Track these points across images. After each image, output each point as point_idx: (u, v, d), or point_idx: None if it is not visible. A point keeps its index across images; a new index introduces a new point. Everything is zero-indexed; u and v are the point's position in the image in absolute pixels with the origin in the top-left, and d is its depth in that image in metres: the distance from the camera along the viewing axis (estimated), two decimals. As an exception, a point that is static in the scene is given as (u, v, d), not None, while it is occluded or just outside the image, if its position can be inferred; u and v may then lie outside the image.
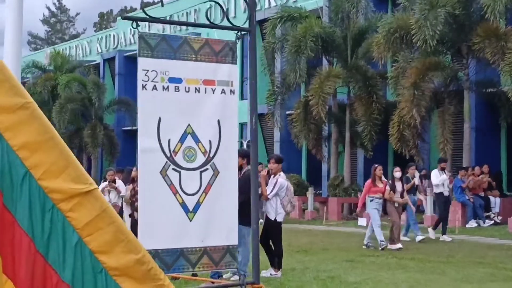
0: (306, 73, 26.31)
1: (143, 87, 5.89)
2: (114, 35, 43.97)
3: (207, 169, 6.14)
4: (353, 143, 27.80)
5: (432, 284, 12.28)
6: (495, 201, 23.26)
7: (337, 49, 27.51)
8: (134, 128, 40.06)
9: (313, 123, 27.19)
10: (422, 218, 23.59)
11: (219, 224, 6.15)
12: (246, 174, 10.89)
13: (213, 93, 6.18)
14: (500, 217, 22.78)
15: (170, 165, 5.97)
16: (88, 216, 3.70)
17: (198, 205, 6.06)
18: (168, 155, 5.97)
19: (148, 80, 5.90)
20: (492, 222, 22.60)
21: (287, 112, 29.54)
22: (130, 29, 41.90)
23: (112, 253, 3.76)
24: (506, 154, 26.58)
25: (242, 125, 33.76)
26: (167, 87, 5.99)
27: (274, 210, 12.87)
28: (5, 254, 3.80)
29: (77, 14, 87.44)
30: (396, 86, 24.84)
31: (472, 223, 22.26)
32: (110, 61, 44.29)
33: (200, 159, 6.11)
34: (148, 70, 5.91)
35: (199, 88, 6.12)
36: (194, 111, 6.09)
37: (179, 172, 6.00)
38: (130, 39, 42.15)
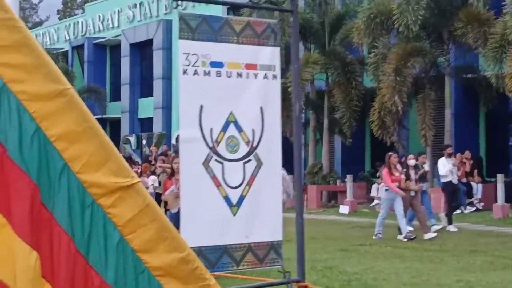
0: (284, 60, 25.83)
1: (184, 72, 5.46)
2: (82, 22, 43.04)
3: (250, 160, 5.74)
4: (332, 130, 27.56)
5: (434, 273, 12.05)
6: (477, 187, 23.17)
7: (315, 35, 27.21)
8: (104, 116, 39.36)
9: (291, 110, 26.76)
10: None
11: (263, 219, 5.76)
12: None
13: (255, 78, 5.78)
14: (481, 204, 22.71)
15: (212, 156, 5.55)
16: (130, 212, 3.43)
17: (241, 198, 5.66)
18: (211, 145, 5.55)
19: (189, 64, 5.47)
20: (474, 208, 22.52)
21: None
22: (99, 16, 41.09)
23: (155, 251, 3.49)
24: (485, 140, 26.58)
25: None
26: (209, 72, 5.56)
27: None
28: (42, 256, 3.46)
29: (40, 1, 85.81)
30: (375, 72, 24.61)
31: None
32: (78, 48, 43.43)
33: (243, 149, 5.71)
34: (189, 54, 5.48)
35: (241, 73, 5.71)
36: (236, 97, 5.68)
37: (222, 164, 5.59)
38: (99, 26, 41.31)
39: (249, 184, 5.71)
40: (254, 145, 5.76)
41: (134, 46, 38.46)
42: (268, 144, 5.81)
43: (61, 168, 3.35)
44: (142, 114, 36.68)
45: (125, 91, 38.69)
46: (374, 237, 16.25)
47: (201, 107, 5.52)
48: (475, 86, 24.94)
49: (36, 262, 3.36)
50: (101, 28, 40.96)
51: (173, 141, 32.69)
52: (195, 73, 5.50)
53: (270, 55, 5.83)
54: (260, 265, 5.76)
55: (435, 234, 16.24)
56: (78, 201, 3.41)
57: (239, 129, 5.69)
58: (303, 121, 28.41)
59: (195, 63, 5.49)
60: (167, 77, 36.17)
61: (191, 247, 3.77)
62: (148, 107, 37.19)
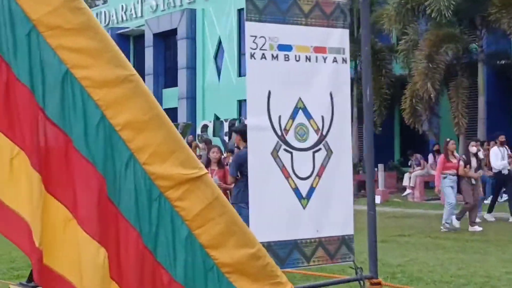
0: (312, 47, 25.46)
1: (252, 55, 5.13)
2: (105, 12, 42.71)
3: (320, 149, 5.40)
4: (361, 119, 27.13)
5: (481, 265, 11.63)
6: (510, 176, 22.60)
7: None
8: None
9: (320, 98, 26.40)
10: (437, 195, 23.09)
11: (334, 212, 5.42)
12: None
13: (325, 62, 5.43)
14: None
15: (281, 145, 5.21)
16: (199, 205, 3.26)
17: (311, 190, 5.32)
18: (279, 133, 5.22)
19: (257, 48, 5.14)
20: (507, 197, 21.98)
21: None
22: (122, 6, 40.77)
23: (224, 247, 3.33)
24: (519, 127, 26.05)
25: (240, 102, 33.07)
26: (277, 55, 5.22)
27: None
28: (109, 253, 3.28)
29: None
30: (406, 60, 24.14)
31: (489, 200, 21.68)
32: (101, 39, 42.95)
33: (313, 137, 5.37)
34: (256, 37, 5.14)
35: (309, 56, 5.36)
36: (304, 83, 5.34)
37: (291, 153, 5.26)
38: (122, 16, 40.98)
39: (319, 174, 5.37)
40: (324, 133, 5.42)
41: (157, 36, 38.11)
42: (338, 132, 5.47)
43: (127, 159, 3.17)
44: (167, 104, 36.33)
45: (149, 81, 38.37)
46: (442, 229, 15.61)
47: (269, 93, 5.18)
48: (508, 73, 24.41)
49: (105, 259, 3.20)
50: (124, 18, 40.61)
51: (198, 131, 32.42)
52: (263, 57, 5.17)
53: (340, 37, 5.48)
54: (331, 261, 5.42)
55: (480, 229, 15.77)
56: (145, 194, 3.22)
57: (308, 116, 5.36)
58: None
59: (262, 46, 5.16)
60: (192, 67, 35.80)
61: (260, 243, 3.55)
62: (172, 97, 36.87)
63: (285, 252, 5.20)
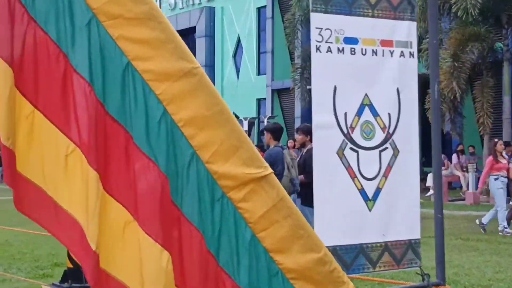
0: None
1: (317, 49, 4.85)
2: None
3: (386, 148, 5.11)
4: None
5: (519, 269, 11.34)
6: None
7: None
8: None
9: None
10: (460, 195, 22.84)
11: (400, 214, 5.14)
12: (310, 152, 9.84)
13: (391, 56, 5.15)
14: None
15: (347, 144, 4.94)
16: (263, 207, 3.12)
17: (378, 191, 5.04)
18: (345, 131, 4.94)
19: (322, 40, 4.86)
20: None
21: (308, 87, 28.59)
22: None
23: (289, 251, 3.18)
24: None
25: (259, 101, 32.88)
26: (342, 49, 4.94)
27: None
28: (172, 258, 3.11)
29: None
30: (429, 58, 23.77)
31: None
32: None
33: (379, 136, 5.08)
34: (321, 29, 4.87)
35: (376, 50, 5.08)
36: (371, 78, 5.06)
37: (357, 152, 4.98)
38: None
39: (385, 175, 5.09)
40: (391, 131, 5.14)
41: (176, 34, 37.95)
42: (405, 130, 5.19)
43: (190, 157, 3.03)
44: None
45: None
46: (500, 234, 15.20)
47: (335, 88, 4.91)
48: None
49: (168, 263, 3.04)
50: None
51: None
52: (328, 50, 4.89)
53: (407, 30, 5.20)
54: (397, 266, 5.14)
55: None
56: (207, 194, 3.08)
57: (375, 114, 5.08)
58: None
59: (328, 39, 4.88)
60: (211, 65, 35.62)
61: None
62: (190, 95, 36.65)
63: (351, 257, 4.93)
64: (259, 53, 32.66)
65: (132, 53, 3.10)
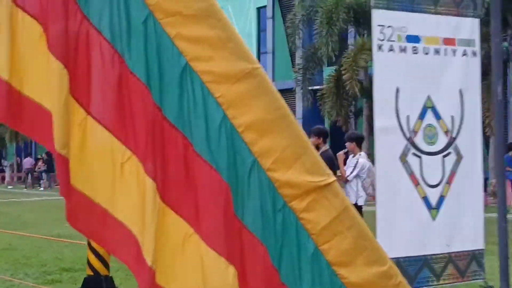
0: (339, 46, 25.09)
1: (379, 47, 4.57)
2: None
3: (449, 153, 4.83)
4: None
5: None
6: None
7: (368, 21, 26.18)
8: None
9: (345, 98, 25.96)
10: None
11: (464, 223, 4.87)
12: (324, 154, 9.54)
13: (454, 55, 4.87)
14: None
15: (410, 149, 4.65)
16: (326, 217, 2.90)
17: (441, 199, 4.76)
18: (408, 135, 4.65)
19: (384, 39, 4.58)
20: None
21: (309, 88, 28.39)
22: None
23: (353, 265, 2.96)
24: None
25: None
26: (405, 47, 4.67)
27: (355, 193, 11.63)
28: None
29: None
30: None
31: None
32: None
33: (442, 140, 4.81)
34: (383, 26, 4.60)
35: (439, 49, 4.81)
36: (433, 78, 4.79)
37: (420, 158, 4.70)
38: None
39: (449, 182, 4.81)
40: (454, 135, 4.85)
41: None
42: (468, 134, 4.90)
43: (251, 164, 2.82)
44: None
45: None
46: None
47: (397, 90, 4.62)
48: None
49: (234, 280, 2.83)
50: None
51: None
52: (391, 49, 4.61)
53: (470, 27, 4.93)
54: (461, 278, 4.85)
55: None
56: (269, 204, 2.86)
57: (437, 117, 4.79)
58: (354, 110, 27.54)
59: (390, 37, 4.59)
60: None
61: (389, 259, 3.10)
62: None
63: (415, 269, 4.65)
64: (259, 53, 32.37)
65: (191, 53, 2.87)
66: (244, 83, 2.88)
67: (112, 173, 2.87)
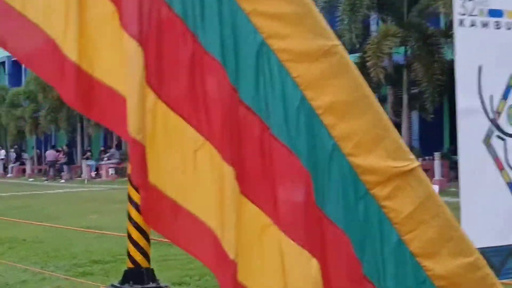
0: (362, 33, 24.83)
1: (460, 22, 4.27)
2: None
3: (534, 135, 4.51)
4: (411, 106, 26.32)
5: None
6: None
7: (391, 6, 25.93)
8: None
9: (369, 85, 25.63)
10: None
11: (550, 210, 4.54)
12: None
13: (537, 30, 4.53)
14: None
15: (493, 131, 4.38)
16: (410, 205, 2.74)
17: (527, 184, 4.45)
18: (491, 117, 4.37)
19: (466, 13, 4.27)
20: None
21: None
22: None
23: (438, 256, 2.80)
24: None
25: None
26: (487, 23, 4.36)
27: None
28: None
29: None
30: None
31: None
32: None
33: (526, 122, 4.49)
34: (465, 0, 4.26)
35: (522, 24, 4.48)
36: (516, 56, 4.46)
37: (504, 140, 4.41)
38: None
39: (534, 166, 4.49)
40: (538, 116, 4.54)
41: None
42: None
43: (331, 149, 2.69)
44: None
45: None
46: None
47: (480, 68, 4.34)
48: None
49: (317, 272, 2.67)
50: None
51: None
52: (472, 24, 4.32)
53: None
54: (545, 270, 4.55)
55: None
56: (351, 191, 2.73)
57: (521, 97, 4.49)
58: (379, 97, 27.24)
59: (472, 11, 4.30)
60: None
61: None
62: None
63: (499, 260, 4.38)
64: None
65: (267, 30, 2.71)
66: (323, 62, 2.72)
67: (184, 162, 2.69)
